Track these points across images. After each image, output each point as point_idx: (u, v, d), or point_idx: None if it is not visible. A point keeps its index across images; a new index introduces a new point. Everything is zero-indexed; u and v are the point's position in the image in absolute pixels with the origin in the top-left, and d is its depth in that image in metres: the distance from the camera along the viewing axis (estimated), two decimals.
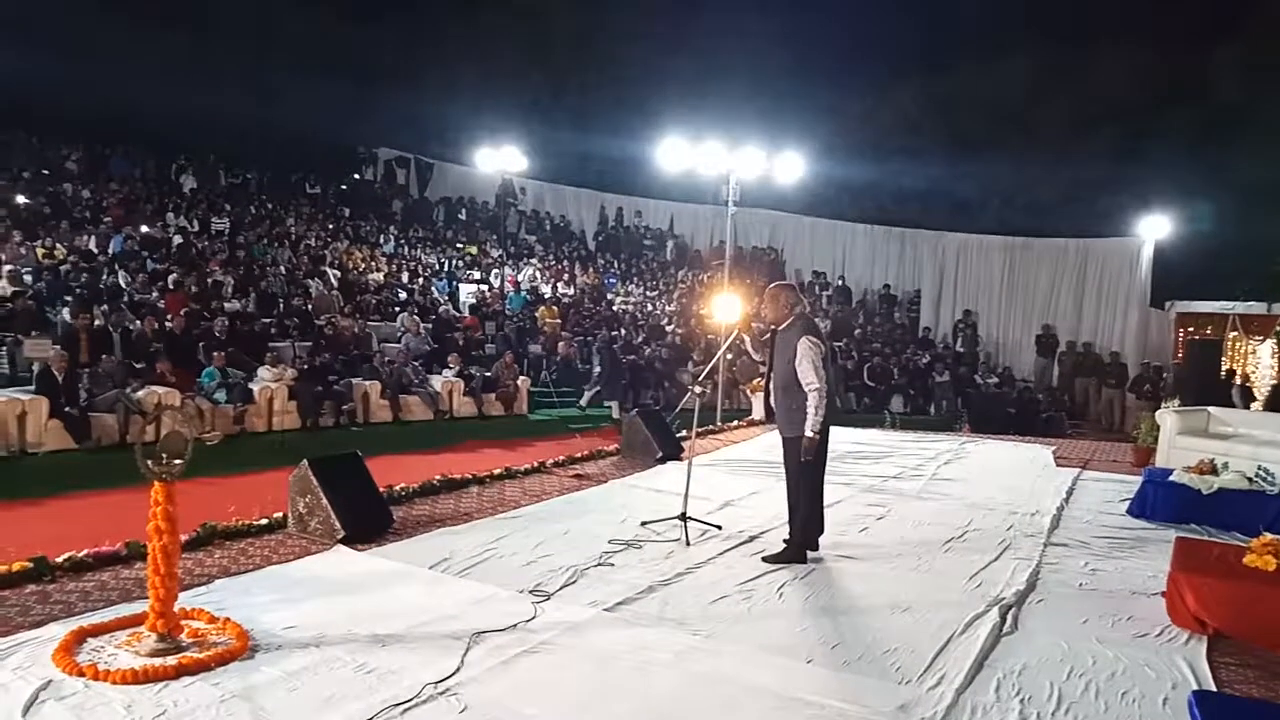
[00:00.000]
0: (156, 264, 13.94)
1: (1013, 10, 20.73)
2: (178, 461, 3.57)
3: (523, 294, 18.04)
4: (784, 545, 5.25)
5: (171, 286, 12.94)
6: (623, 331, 16.83)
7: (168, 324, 11.50)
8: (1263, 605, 4.19)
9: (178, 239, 15.40)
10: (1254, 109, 18.75)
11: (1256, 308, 14.95)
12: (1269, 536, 4.65)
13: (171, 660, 3.41)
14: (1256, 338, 14.90)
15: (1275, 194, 17.73)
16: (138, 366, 10.38)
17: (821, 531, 5.31)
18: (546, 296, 18.14)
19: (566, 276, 19.91)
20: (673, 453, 8.22)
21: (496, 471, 7.26)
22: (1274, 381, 14.41)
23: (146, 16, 19.88)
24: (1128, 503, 6.93)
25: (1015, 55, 21.71)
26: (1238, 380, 14.24)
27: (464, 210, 23.35)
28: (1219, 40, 19.79)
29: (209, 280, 13.56)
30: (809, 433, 5.00)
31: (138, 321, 11.33)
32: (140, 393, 9.69)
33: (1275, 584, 4.29)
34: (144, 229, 15.45)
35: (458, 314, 16.22)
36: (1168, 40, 19.93)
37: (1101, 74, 21.38)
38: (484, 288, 17.97)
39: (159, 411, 3.80)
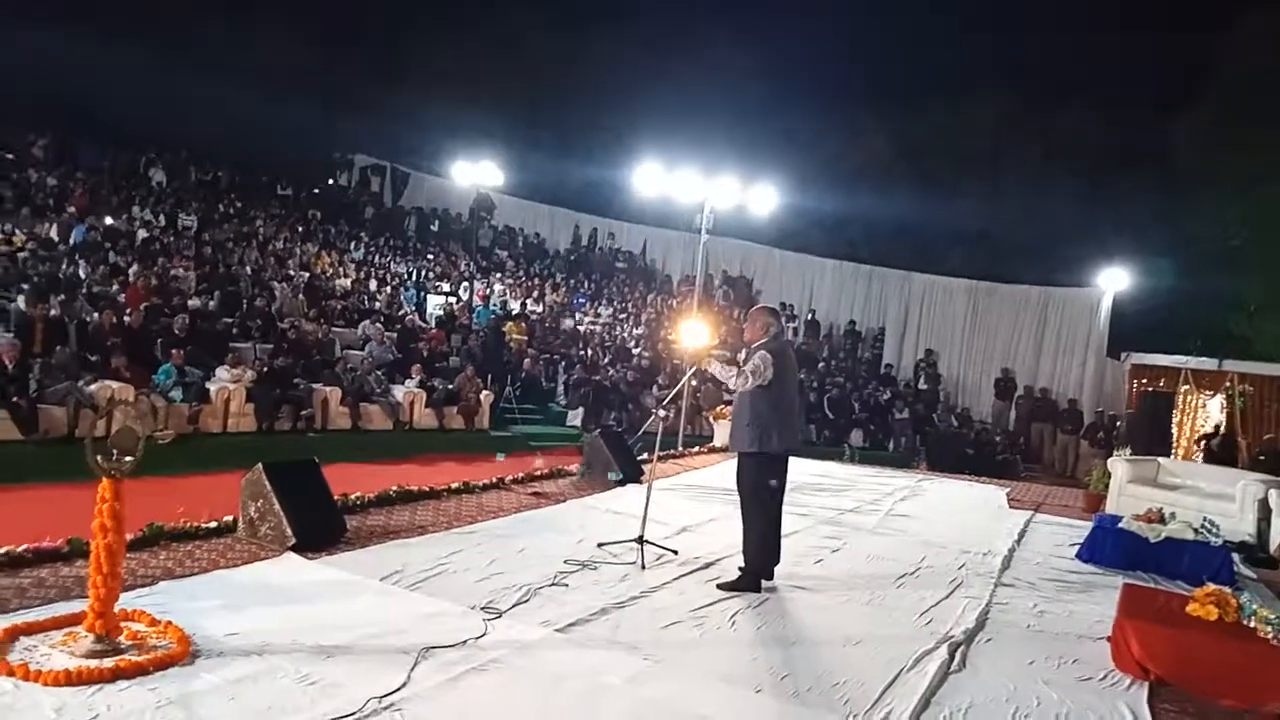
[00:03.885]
0: (119, 256, 13.68)
1: (986, 58, 21.28)
2: (128, 459, 3.48)
3: (491, 308, 17.95)
4: (739, 573, 5.25)
5: (132, 279, 12.69)
6: (588, 351, 16.80)
7: (126, 318, 11.28)
8: (1203, 654, 4.27)
9: (142, 233, 15.13)
10: (1212, 173, 19.36)
11: (1208, 363, 15.34)
12: (1211, 587, 4.74)
13: (108, 663, 3.31)
14: (1207, 392, 15.28)
15: (1229, 255, 18.32)
16: (92, 359, 10.14)
17: (778, 561, 5.33)
18: (515, 313, 18.07)
19: (536, 294, 19.87)
20: (633, 475, 8.20)
21: (454, 485, 7.19)
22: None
23: (128, 8, 19.65)
24: (1077, 547, 7.03)
25: (987, 102, 22.28)
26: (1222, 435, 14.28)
27: (436, 221, 23.24)
28: (1185, 105, 20.44)
29: (171, 276, 13.33)
30: (723, 377, 5.30)
31: (95, 314, 11.10)
32: (93, 387, 9.46)
33: (1216, 634, 4.37)
34: (108, 220, 15.17)
35: (424, 325, 16.10)
36: (1136, 100, 20.56)
37: (1071, 126, 22.00)
38: (452, 300, 17.86)
39: (111, 406, 3.71)
